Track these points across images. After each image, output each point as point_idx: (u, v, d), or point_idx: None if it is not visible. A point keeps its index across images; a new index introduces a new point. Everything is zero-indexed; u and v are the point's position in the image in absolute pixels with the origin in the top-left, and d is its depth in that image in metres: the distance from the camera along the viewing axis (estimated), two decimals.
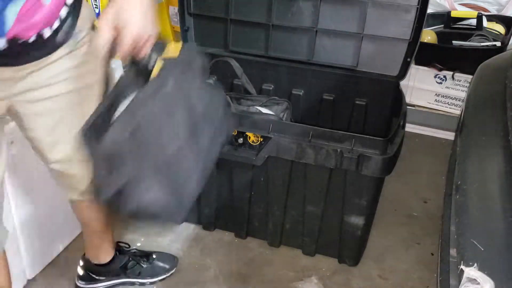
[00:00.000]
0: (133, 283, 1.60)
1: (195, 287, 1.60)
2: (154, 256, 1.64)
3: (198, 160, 1.00)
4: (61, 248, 1.69)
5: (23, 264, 1.53)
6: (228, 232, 1.82)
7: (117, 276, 1.58)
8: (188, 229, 1.83)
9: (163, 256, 1.66)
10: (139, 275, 1.60)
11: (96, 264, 1.55)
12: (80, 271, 1.56)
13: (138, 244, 1.74)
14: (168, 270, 1.63)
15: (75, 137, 0.94)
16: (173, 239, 1.77)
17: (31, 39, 0.96)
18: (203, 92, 1.04)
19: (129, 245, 1.65)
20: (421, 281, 1.64)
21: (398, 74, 1.82)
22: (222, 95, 1.18)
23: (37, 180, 1.50)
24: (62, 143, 1.14)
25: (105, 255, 1.55)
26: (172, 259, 1.67)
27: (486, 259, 0.82)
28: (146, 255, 1.63)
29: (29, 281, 1.57)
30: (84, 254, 1.56)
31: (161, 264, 1.63)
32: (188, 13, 1.96)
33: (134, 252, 1.63)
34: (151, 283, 1.60)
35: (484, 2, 2.54)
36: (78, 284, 1.56)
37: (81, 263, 1.56)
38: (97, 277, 1.56)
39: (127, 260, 1.59)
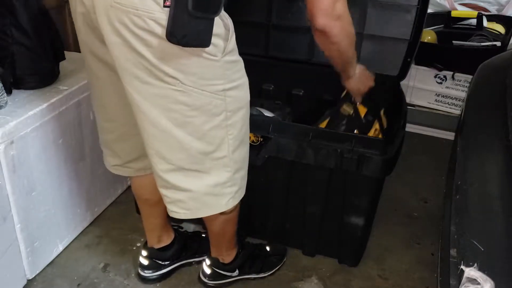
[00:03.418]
0: (191, 263, 1.66)
1: (195, 287, 1.60)
2: (203, 235, 1.69)
3: None
4: (61, 248, 1.69)
5: (23, 264, 1.53)
6: None
7: (178, 258, 1.63)
8: (188, 229, 1.82)
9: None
10: (195, 254, 1.65)
11: (158, 249, 1.58)
12: (145, 261, 1.58)
13: (138, 244, 1.74)
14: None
15: None
16: None
17: None
18: None
19: (182, 227, 1.71)
20: (421, 281, 1.64)
21: (398, 74, 1.82)
22: None
23: (37, 180, 1.50)
24: None
25: (167, 238, 1.60)
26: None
27: (486, 259, 0.82)
28: (196, 235, 1.71)
29: (29, 281, 1.57)
30: (146, 243, 1.60)
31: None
32: None
33: (187, 233, 1.70)
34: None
35: (484, 2, 2.54)
36: (144, 274, 1.59)
37: (144, 253, 1.58)
38: (162, 263, 1.59)
39: (185, 241, 1.64)
